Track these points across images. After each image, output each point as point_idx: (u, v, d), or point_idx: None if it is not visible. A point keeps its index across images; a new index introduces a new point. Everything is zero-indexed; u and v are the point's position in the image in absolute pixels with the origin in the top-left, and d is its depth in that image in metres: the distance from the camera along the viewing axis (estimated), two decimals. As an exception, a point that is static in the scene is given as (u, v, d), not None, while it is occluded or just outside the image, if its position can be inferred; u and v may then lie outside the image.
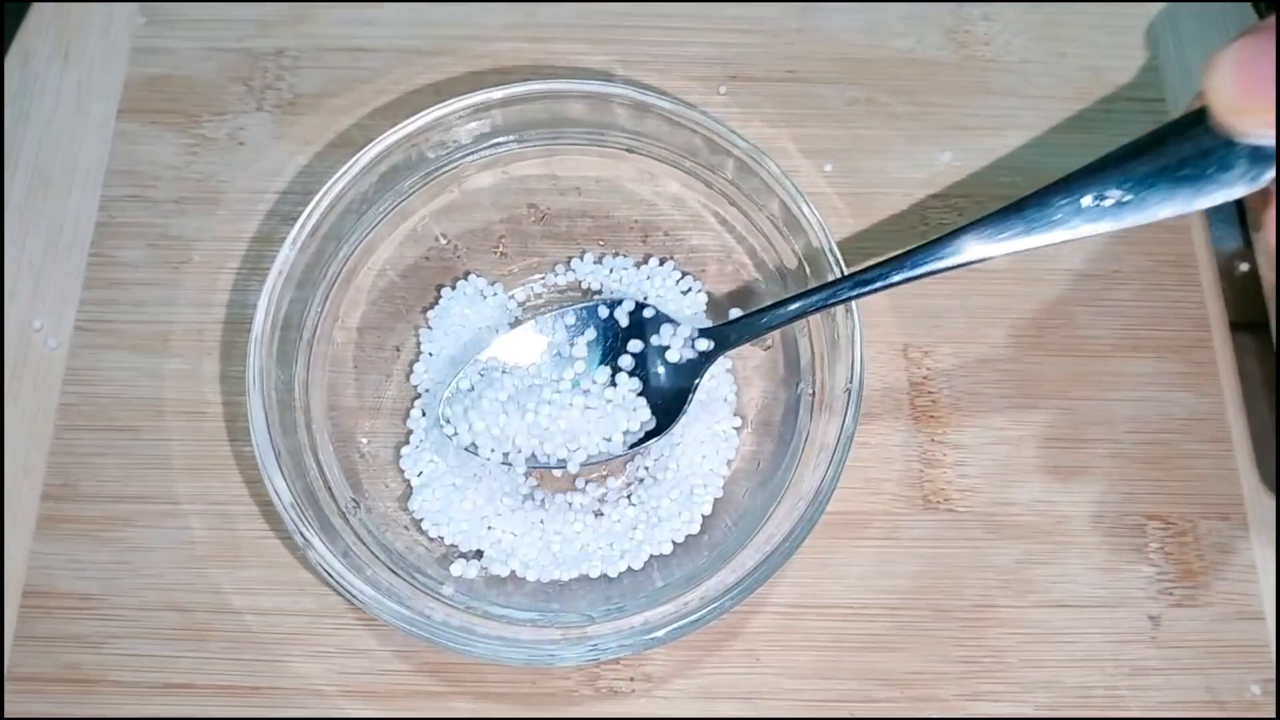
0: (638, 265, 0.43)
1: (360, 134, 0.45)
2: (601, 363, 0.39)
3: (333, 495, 0.37)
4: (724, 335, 0.39)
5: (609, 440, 0.38)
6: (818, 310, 0.37)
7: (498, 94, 0.39)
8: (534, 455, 0.38)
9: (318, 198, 0.38)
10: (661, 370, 0.39)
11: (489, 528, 0.39)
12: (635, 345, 0.39)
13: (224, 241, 0.44)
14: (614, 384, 0.39)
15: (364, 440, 0.40)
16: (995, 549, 0.40)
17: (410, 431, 0.41)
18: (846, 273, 0.37)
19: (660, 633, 0.34)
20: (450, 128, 0.40)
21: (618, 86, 0.40)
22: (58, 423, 0.41)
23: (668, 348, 0.39)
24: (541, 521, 0.39)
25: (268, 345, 0.37)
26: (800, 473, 0.37)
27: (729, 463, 0.40)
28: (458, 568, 0.38)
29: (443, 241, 0.43)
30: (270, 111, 0.46)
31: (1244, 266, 0.45)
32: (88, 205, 0.44)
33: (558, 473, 0.40)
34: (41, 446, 0.41)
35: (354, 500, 0.38)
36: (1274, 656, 0.39)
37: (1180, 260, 0.44)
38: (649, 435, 0.39)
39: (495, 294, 0.42)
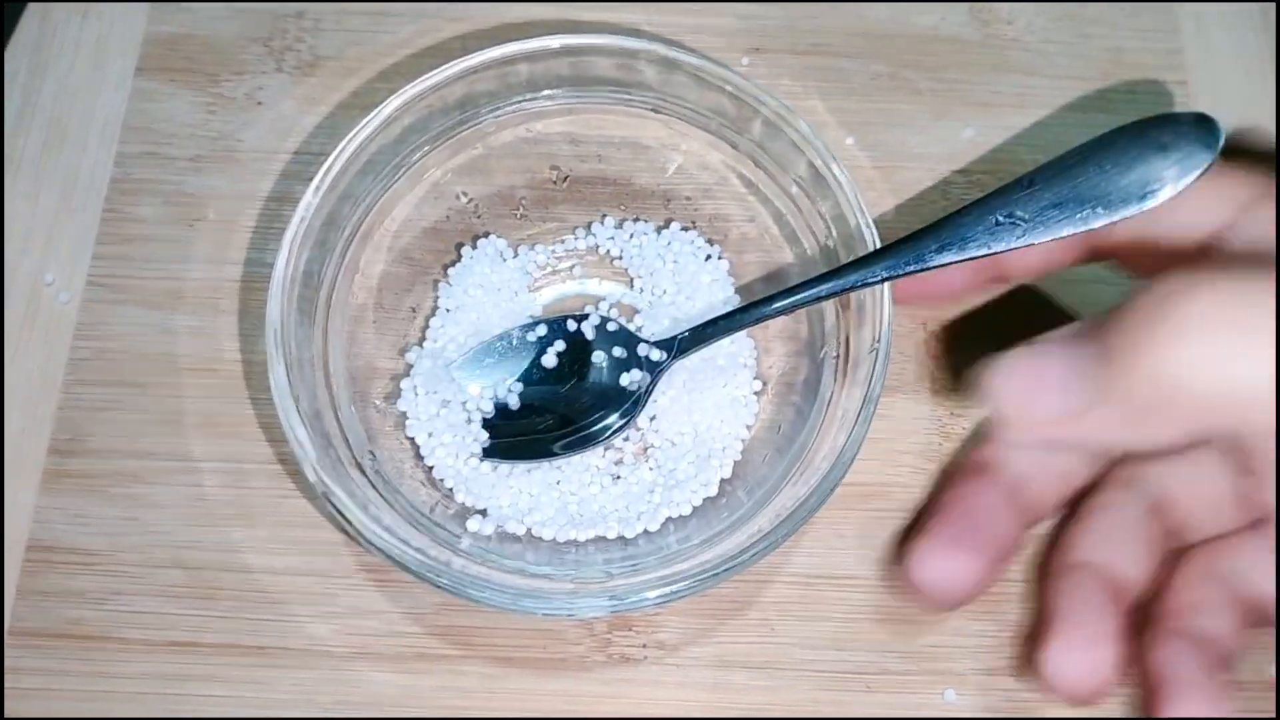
0: (658, 230, 0.42)
1: (380, 97, 0.44)
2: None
3: (350, 448, 0.37)
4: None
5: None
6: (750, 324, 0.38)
7: (523, 47, 0.39)
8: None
9: (340, 148, 0.38)
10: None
11: (505, 487, 0.38)
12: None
13: (240, 200, 0.43)
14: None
15: (379, 401, 0.40)
16: (1014, 523, 0.40)
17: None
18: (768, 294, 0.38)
19: (678, 585, 0.33)
20: (473, 82, 0.40)
21: (645, 42, 0.39)
22: (67, 377, 0.40)
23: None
24: (558, 482, 0.39)
25: (288, 294, 0.36)
26: (821, 438, 0.36)
27: (748, 427, 0.40)
28: (473, 524, 0.37)
29: (463, 200, 0.42)
30: (290, 73, 0.45)
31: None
32: (103, 160, 0.44)
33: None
34: (49, 400, 0.40)
35: (370, 453, 0.38)
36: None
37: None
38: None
39: (515, 256, 0.42)
